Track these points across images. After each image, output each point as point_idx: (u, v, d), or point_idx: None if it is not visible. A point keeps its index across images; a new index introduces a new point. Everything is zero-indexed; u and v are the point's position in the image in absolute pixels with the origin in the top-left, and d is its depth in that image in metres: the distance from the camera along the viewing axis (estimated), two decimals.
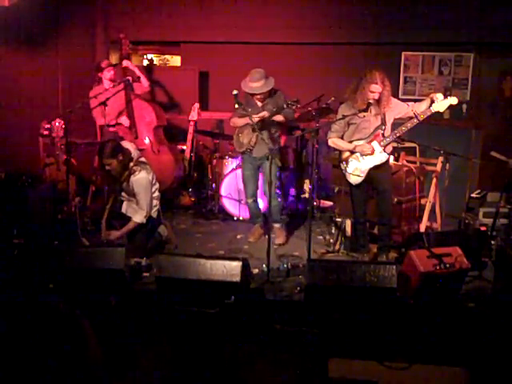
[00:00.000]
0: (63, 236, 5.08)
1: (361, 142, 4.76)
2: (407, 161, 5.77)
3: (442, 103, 4.57)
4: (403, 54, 7.10)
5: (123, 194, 5.09)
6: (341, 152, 4.89)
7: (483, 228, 5.12)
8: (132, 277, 4.34)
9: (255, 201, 5.58)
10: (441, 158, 5.34)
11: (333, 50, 7.20)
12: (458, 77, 7.03)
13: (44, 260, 4.23)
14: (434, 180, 5.40)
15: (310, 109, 6.09)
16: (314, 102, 6.34)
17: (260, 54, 7.29)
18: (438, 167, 5.42)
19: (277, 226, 5.52)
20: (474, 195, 5.98)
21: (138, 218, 4.94)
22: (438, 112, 4.64)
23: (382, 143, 4.71)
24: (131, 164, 4.92)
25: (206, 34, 7.26)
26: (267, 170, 5.16)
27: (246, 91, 5.22)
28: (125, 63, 6.22)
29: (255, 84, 5.14)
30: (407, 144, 5.73)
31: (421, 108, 4.66)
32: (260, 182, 5.63)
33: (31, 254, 4.56)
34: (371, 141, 4.72)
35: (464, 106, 7.02)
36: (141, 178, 4.90)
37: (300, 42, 7.21)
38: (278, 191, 6.25)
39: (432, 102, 4.61)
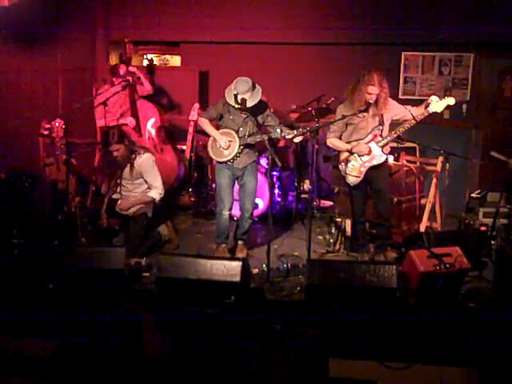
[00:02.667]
0: (63, 236, 5.08)
1: (360, 142, 4.76)
2: (407, 161, 5.77)
3: (439, 104, 4.57)
4: (403, 54, 7.10)
5: (123, 185, 5.06)
6: (339, 153, 4.89)
7: (483, 228, 5.12)
8: (132, 277, 4.35)
9: (230, 214, 5.09)
10: (441, 158, 5.34)
11: (333, 50, 7.19)
12: (458, 77, 7.03)
13: (44, 260, 4.22)
14: (434, 180, 5.40)
15: (310, 109, 6.09)
16: (314, 102, 6.34)
17: (260, 54, 7.30)
18: (438, 167, 5.42)
19: (240, 242, 5.20)
20: (473, 195, 5.98)
21: (154, 193, 4.99)
22: (436, 112, 4.63)
23: (379, 144, 4.72)
24: (140, 149, 5.03)
25: (206, 34, 7.26)
26: (249, 185, 4.98)
27: (228, 107, 4.78)
28: (131, 69, 6.25)
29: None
30: (407, 144, 5.73)
31: (418, 111, 4.66)
32: (235, 193, 5.20)
33: (31, 254, 4.55)
34: (369, 141, 4.73)
35: (464, 106, 7.02)
36: (147, 158, 4.98)
37: (300, 42, 7.21)
38: (278, 191, 6.27)
39: (428, 104, 4.61)
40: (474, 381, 3.30)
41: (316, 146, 5.40)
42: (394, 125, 4.81)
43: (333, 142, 4.86)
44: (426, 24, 6.79)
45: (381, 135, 4.72)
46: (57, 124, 5.68)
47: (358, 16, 6.97)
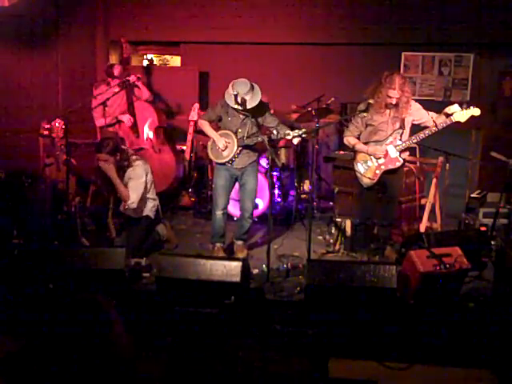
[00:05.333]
0: (63, 236, 5.08)
1: (378, 144, 4.72)
2: (407, 161, 5.76)
3: (463, 113, 4.48)
4: (403, 54, 7.10)
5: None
6: (356, 152, 4.86)
7: (483, 228, 5.11)
8: (132, 277, 4.34)
9: (225, 213, 5.07)
10: (441, 158, 5.34)
11: (333, 50, 7.20)
12: (457, 77, 7.04)
13: (44, 260, 4.22)
14: (434, 180, 5.40)
15: (309, 109, 6.09)
16: (314, 102, 6.34)
17: (260, 54, 7.31)
18: (438, 167, 5.42)
19: (239, 243, 5.18)
20: (474, 195, 5.98)
21: (131, 197, 4.88)
22: (459, 122, 4.53)
23: (397, 147, 4.67)
24: (132, 157, 4.97)
25: (206, 34, 7.27)
26: (249, 185, 4.97)
27: (229, 104, 4.70)
28: (131, 78, 6.19)
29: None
30: None
31: (440, 119, 4.60)
32: (233, 195, 5.20)
33: (31, 254, 4.55)
34: (387, 144, 4.69)
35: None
36: (134, 168, 4.94)
37: (300, 42, 7.22)
38: (278, 191, 6.27)
39: (451, 113, 4.53)
40: (475, 381, 3.30)
41: (316, 147, 5.39)
42: (415, 130, 4.75)
43: (349, 140, 4.82)
44: (426, 24, 6.80)
45: (400, 139, 4.68)
46: (57, 124, 5.68)
47: (357, 16, 6.97)
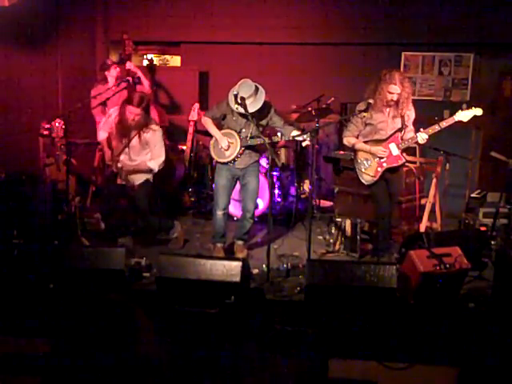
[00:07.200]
0: (63, 236, 5.08)
1: (379, 143, 4.72)
2: (407, 161, 5.76)
3: (465, 113, 4.51)
4: (403, 54, 7.10)
5: (125, 155, 5.06)
6: (356, 151, 4.85)
7: (483, 228, 5.12)
8: (132, 277, 4.35)
9: (225, 213, 5.05)
10: (441, 158, 5.34)
11: (333, 50, 7.20)
12: (457, 77, 7.04)
13: (44, 260, 4.22)
14: (434, 180, 5.41)
15: (310, 109, 6.10)
16: (314, 102, 6.35)
17: (260, 54, 7.31)
18: (438, 167, 5.42)
19: (240, 243, 5.17)
20: (474, 195, 5.99)
21: (153, 164, 5.04)
22: (461, 121, 4.55)
23: (400, 146, 4.67)
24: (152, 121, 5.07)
25: (206, 34, 7.27)
26: (251, 185, 4.97)
27: (232, 107, 4.68)
28: (128, 65, 6.23)
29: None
30: None
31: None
32: (235, 195, 5.25)
33: (31, 253, 4.55)
34: (389, 143, 4.69)
35: (464, 106, 7.00)
36: (159, 132, 5.05)
37: (300, 42, 7.22)
38: (278, 191, 6.27)
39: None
40: (475, 381, 3.30)
41: (316, 146, 5.38)
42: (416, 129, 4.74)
43: (349, 140, 4.82)
44: (426, 24, 6.80)
45: (402, 138, 4.66)
46: (57, 124, 5.68)
47: (358, 16, 6.97)
